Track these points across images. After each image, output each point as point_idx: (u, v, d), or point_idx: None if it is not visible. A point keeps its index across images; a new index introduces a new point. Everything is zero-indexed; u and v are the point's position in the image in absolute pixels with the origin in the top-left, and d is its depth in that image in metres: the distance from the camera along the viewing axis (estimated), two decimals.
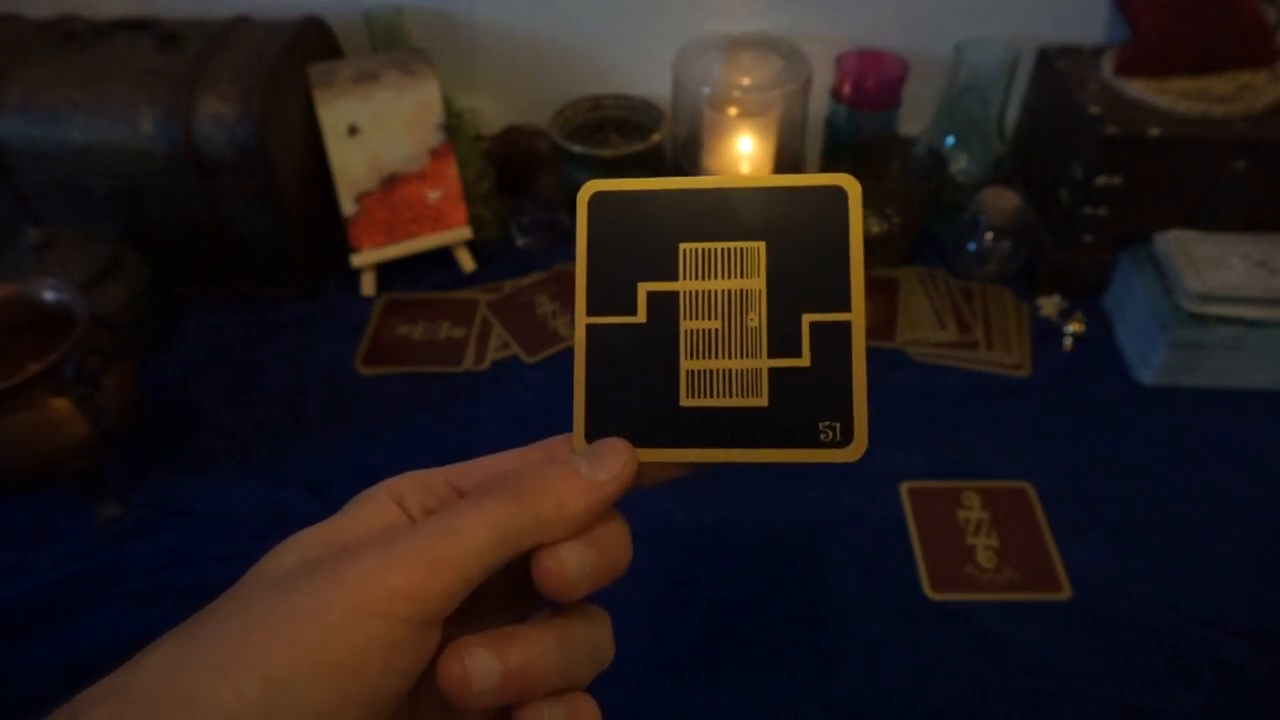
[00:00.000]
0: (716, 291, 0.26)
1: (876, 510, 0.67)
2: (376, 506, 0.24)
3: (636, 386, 0.26)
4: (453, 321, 0.84)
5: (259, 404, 0.77)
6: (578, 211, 0.27)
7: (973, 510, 0.66)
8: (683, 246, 0.26)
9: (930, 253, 0.90)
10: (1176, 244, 0.75)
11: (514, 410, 0.75)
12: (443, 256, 0.88)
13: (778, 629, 0.59)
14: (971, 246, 0.85)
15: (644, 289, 0.26)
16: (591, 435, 0.26)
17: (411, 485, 0.25)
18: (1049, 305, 0.84)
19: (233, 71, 0.77)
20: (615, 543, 0.24)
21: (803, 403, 0.25)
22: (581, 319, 0.27)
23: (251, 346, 0.82)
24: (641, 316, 0.26)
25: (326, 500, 0.68)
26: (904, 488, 0.68)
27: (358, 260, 0.85)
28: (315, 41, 0.87)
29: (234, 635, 0.20)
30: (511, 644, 0.22)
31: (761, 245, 0.26)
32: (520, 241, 0.92)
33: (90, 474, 0.65)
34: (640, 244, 0.26)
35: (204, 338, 0.83)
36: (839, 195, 0.26)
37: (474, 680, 0.21)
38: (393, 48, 0.87)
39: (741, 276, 0.26)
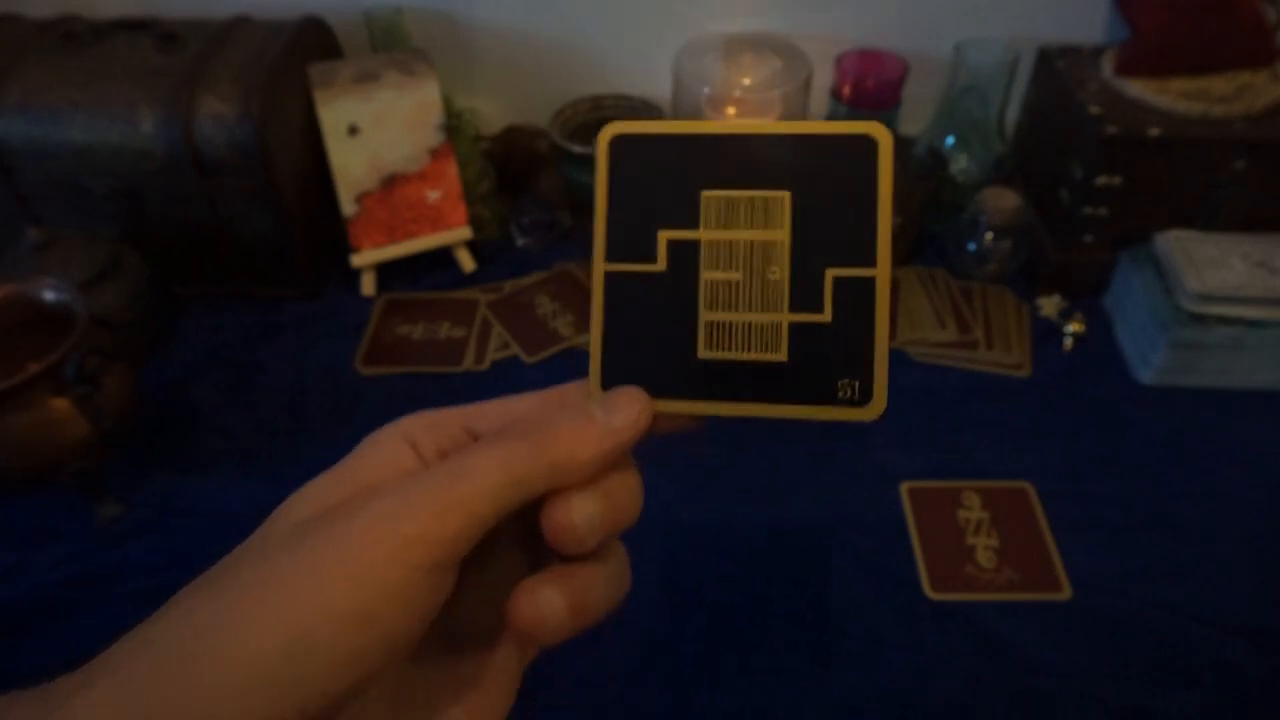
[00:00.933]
0: (739, 242, 0.25)
1: (876, 510, 0.67)
2: (389, 449, 0.24)
3: (654, 336, 0.26)
4: (453, 322, 0.84)
5: (259, 404, 0.77)
6: (597, 155, 0.26)
7: (973, 510, 0.66)
8: (705, 194, 0.25)
9: (930, 253, 0.90)
10: (1176, 244, 0.75)
11: None
12: (443, 256, 0.88)
13: (778, 629, 0.59)
14: (971, 246, 0.85)
15: (664, 237, 0.26)
16: (608, 383, 0.25)
17: (424, 425, 0.24)
18: (1049, 305, 0.84)
19: (233, 71, 0.77)
20: (626, 494, 0.23)
21: (822, 359, 0.25)
22: (600, 265, 0.26)
23: (251, 346, 0.82)
24: (661, 265, 0.26)
25: None
26: (904, 487, 0.68)
27: (358, 260, 0.85)
28: (315, 41, 0.87)
29: (254, 588, 0.20)
30: (571, 580, 0.22)
31: (786, 195, 0.25)
32: (520, 241, 0.92)
33: (90, 474, 0.65)
34: (661, 190, 0.26)
35: (204, 338, 0.83)
36: (869, 145, 0.25)
37: (547, 619, 0.22)
38: (393, 48, 0.87)
39: (765, 227, 0.25)
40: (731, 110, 0.86)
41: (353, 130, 0.83)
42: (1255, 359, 0.73)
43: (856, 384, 0.24)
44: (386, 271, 0.87)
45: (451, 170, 0.86)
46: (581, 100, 0.94)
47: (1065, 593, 0.61)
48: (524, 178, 0.96)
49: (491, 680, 0.24)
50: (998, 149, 0.88)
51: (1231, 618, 0.59)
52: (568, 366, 0.79)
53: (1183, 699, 0.55)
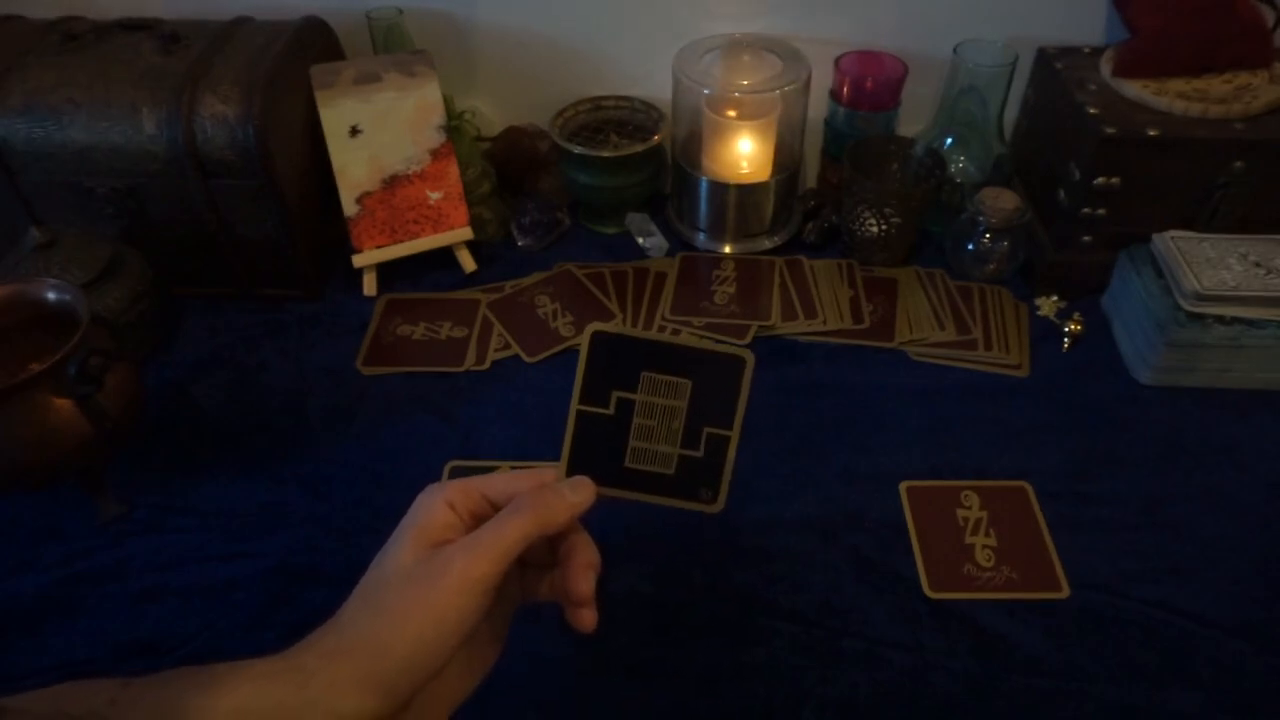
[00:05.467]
0: (658, 404, 0.42)
1: (876, 510, 0.67)
2: (440, 511, 0.38)
3: (601, 450, 0.42)
4: (454, 322, 0.84)
5: (260, 404, 0.77)
6: (581, 343, 0.42)
7: (971, 509, 0.67)
8: (643, 374, 0.42)
9: (929, 253, 0.90)
10: (1174, 244, 0.75)
11: (515, 410, 0.75)
12: (444, 257, 0.88)
13: (778, 629, 0.60)
14: (970, 247, 0.85)
15: (615, 395, 0.42)
16: (570, 472, 0.42)
17: (458, 492, 0.39)
18: (1047, 305, 0.84)
19: (234, 72, 0.78)
20: (585, 547, 0.41)
21: (694, 477, 0.42)
22: (575, 405, 0.42)
23: (253, 347, 0.82)
24: (611, 410, 0.42)
25: (327, 500, 0.68)
26: (903, 487, 0.68)
27: (359, 261, 0.85)
28: (317, 42, 0.87)
29: (393, 609, 0.35)
30: (588, 577, 0.39)
31: (689, 383, 0.42)
32: (521, 242, 0.92)
33: (92, 473, 0.66)
34: (618, 367, 0.42)
35: (205, 338, 0.83)
36: (741, 363, 0.42)
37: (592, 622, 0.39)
38: (394, 49, 0.87)
39: (674, 398, 0.42)
40: (732, 112, 0.87)
41: (354, 131, 0.83)
42: (1253, 358, 0.73)
43: (710, 492, 0.43)
44: (387, 272, 0.87)
45: (452, 171, 0.86)
46: (582, 101, 0.94)
47: (1064, 592, 0.61)
48: (524, 178, 0.96)
49: (493, 633, 0.41)
50: (997, 150, 0.88)
51: (1231, 617, 0.60)
52: (568, 366, 0.79)
53: (1182, 698, 0.56)
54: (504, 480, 0.40)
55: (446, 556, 0.36)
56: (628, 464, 0.42)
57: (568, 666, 0.58)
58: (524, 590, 0.42)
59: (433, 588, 0.35)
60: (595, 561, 0.39)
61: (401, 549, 0.37)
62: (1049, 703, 0.55)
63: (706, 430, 0.42)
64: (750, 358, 0.41)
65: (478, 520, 0.38)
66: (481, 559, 0.35)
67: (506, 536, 0.36)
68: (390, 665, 0.34)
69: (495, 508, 0.39)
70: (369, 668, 0.34)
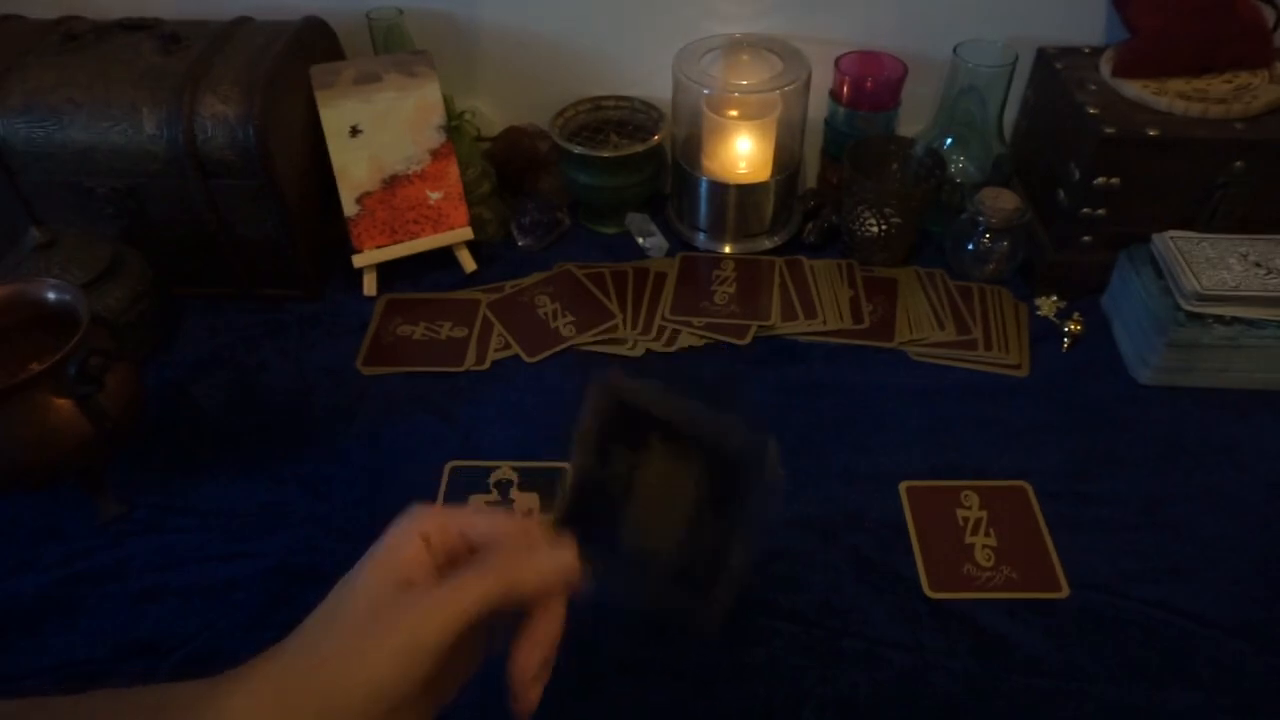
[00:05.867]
0: (661, 478, 0.38)
1: (876, 510, 0.67)
2: (410, 547, 0.35)
3: (598, 513, 0.38)
4: (454, 321, 0.84)
5: (260, 404, 0.77)
6: (589, 398, 0.38)
7: (971, 509, 0.67)
8: (652, 437, 0.38)
9: (929, 253, 0.90)
10: (1174, 244, 0.75)
11: (515, 410, 0.75)
12: (444, 257, 0.88)
13: (778, 629, 0.60)
14: (970, 247, 0.85)
15: (620, 454, 0.38)
16: (560, 528, 0.37)
17: (435, 526, 0.35)
18: (1047, 305, 0.84)
19: (234, 72, 0.78)
20: (553, 621, 0.36)
21: (689, 574, 0.37)
22: (575, 461, 0.38)
23: (253, 347, 0.82)
24: (611, 471, 0.38)
25: (327, 500, 0.68)
26: (903, 487, 0.68)
27: (359, 261, 0.85)
28: (317, 42, 0.87)
29: (353, 636, 0.33)
30: (532, 658, 0.35)
31: (700, 463, 0.37)
32: (521, 242, 0.92)
33: (92, 473, 0.66)
34: (624, 425, 0.38)
35: (205, 338, 0.83)
36: (761, 449, 0.37)
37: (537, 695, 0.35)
38: (394, 49, 0.87)
39: (681, 475, 0.37)
40: (732, 112, 0.87)
41: (354, 131, 0.83)
42: (1253, 358, 0.73)
43: (700, 601, 0.37)
44: (388, 272, 0.87)
45: (452, 171, 0.86)
46: (582, 101, 0.94)
47: (1063, 591, 0.61)
48: (525, 178, 0.96)
49: (466, 666, 0.37)
50: (996, 150, 0.88)
51: (1231, 617, 0.60)
52: (568, 366, 0.79)
53: (1182, 698, 0.56)
54: (487, 521, 0.36)
55: (396, 613, 0.33)
56: (624, 538, 0.37)
57: (564, 666, 0.58)
58: (493, 646, 0.37)
59: (377, 646, 0.32)
60: (548, 640, 0.35)
61: (363, 583, 0.34)
62: (1049, 703, 0.55)
63: (715, 522, 0.36)
64: (774, 446, 0.35)
65: (451, 560, 0.36)
66: (431, 623, 0.32)
67: (463, 600, 0.33)
68: (361, 692, 0.31)
69: (473, 550, 0.36)
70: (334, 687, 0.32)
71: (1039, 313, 0.84)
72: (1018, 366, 0.78)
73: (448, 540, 0.36)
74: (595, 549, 0.36)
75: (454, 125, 0.87)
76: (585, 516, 0.37)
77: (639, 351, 0.80)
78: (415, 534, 0.35)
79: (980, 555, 0.63)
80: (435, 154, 0.85)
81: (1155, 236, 0.77)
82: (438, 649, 0.32)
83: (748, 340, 0.81)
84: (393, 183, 0.85)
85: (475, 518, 0.36)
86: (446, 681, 0.35)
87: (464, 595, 0.33)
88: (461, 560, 0.36)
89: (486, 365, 0.79)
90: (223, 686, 0.31)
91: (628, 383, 0.37)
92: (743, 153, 0.88)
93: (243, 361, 0.81)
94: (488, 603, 0.33)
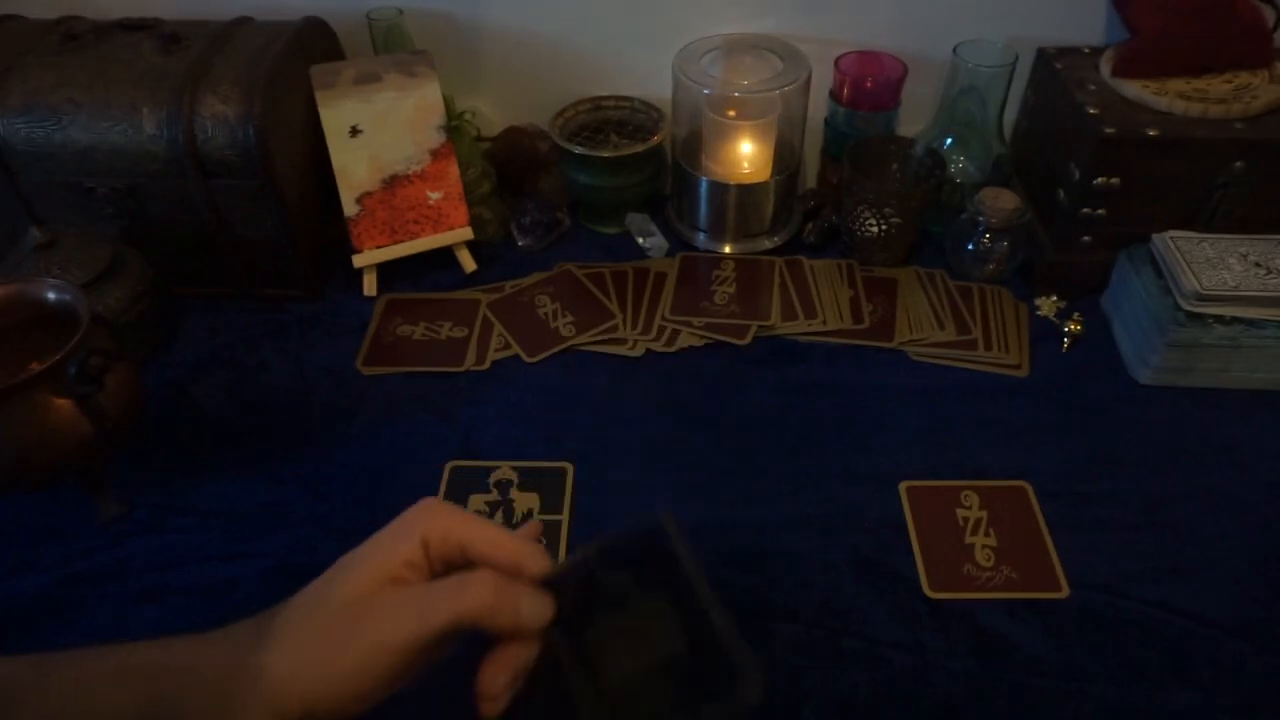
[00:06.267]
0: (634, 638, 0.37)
1: (876, 510, 0.67)
2: (408, 549, 0.36)
3: (577, 608, 0.37)
4: (454, 322, 0.84)
5: (260, 404, 0.77)
6: (580, 554, 0.38)
7: (971, 509, 0.67)
8: (631, 595, 0.37)
9: (929, 253, 0.90)
10: (1174, 244, 0.75)
11: (515, 410, 0.75)
12: (444, 257, 0.88)
13: (778, 629, 0.60)
14: (970, 247, 0.85)
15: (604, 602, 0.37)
16: (545, 585, 0.37)
17: (438, 535, 0.37)
18: (1047, 305, 0.84)
19: (234, 72, 0.78)
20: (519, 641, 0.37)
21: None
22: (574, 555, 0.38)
23: (253, 347, 0.82)
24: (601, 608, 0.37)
25: (327, 500, 0.68)
26: (903, 487, 0.68)
27: (359, 261, 0.85)
28: (317, 42, 0.87)
29: (340, 628, 0.35)
30: (498, 677, 0.36)
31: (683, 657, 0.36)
32: (521, 242, 0.92)
33: (92, 473, 0.66)
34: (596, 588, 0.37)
35: (205, 338, 0.83)
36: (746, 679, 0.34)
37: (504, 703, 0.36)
38: (394, 49, 0.87)
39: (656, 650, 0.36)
40: (732, 112, 0.87)
41: (354, 131, 0.83)
42: (1253, 358, 0.73)
43: None
44: (388, 272, 0.87)
45: (452, 171, 0.86)
46: (582, 101, 0.94)
47: (1063, 591, 0.61)
48: (525, 178, 0.96)
49: (430, 660, 0.37)
50: (996, 150, 0.88)
51: (1231, 617, 0.60)
52: (568, 366, 0.80)
53: (1182, 698, 0.56)
54: (487, 538, 0.37)
55: (377, 617, 0.35)
56: (587, 639, 0.36)
57: None
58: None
59: (354, 637, 0.34)
60: (517, 665, 0.36)
61: (357, 572, 0.36)
62: (1049, 703, 0.56)
63: (670, 691, 0.35)
64: (759, 677, 0.33)
65: (446, 568, 0.37)
66: (403, 628, 0.34)
67: (436, 615, 0.34)
68: (288, 690, 0.34)
69: (469, 562, 0.37)
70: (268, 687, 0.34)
71: (1039, 313, 0.84)
72: (1018, 366, 0.78)
73: (446, 549, 0.37)
74: (561, 630, 0.36)
75: (454, 125, 0.87)
76: (566, 596, 0.37)
77: (639, 351, 0.80)
78: (418, 535, 0.37)
79: (980, 555, 0.63)
80: (435, 154, 0.85)
81: (1155, 236, 0.77)
82: (406, 652, 0.34)
83: (748, 340, 0.81)
84: (393, 183, 0.85)
85: (480, 532, 0.37)
86: (408, 670, 0.37)
87: (438, 610, 0.35)
88: (457, 566, 0.37)
89: (486, 365, 0.79)
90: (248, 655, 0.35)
91: (678, 531, 0.37)
92: (743, 153, 0.88)
93: (243, 361, 0.81)
94: (458, 623, 0.35)
